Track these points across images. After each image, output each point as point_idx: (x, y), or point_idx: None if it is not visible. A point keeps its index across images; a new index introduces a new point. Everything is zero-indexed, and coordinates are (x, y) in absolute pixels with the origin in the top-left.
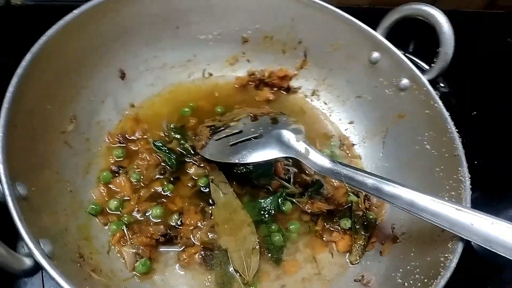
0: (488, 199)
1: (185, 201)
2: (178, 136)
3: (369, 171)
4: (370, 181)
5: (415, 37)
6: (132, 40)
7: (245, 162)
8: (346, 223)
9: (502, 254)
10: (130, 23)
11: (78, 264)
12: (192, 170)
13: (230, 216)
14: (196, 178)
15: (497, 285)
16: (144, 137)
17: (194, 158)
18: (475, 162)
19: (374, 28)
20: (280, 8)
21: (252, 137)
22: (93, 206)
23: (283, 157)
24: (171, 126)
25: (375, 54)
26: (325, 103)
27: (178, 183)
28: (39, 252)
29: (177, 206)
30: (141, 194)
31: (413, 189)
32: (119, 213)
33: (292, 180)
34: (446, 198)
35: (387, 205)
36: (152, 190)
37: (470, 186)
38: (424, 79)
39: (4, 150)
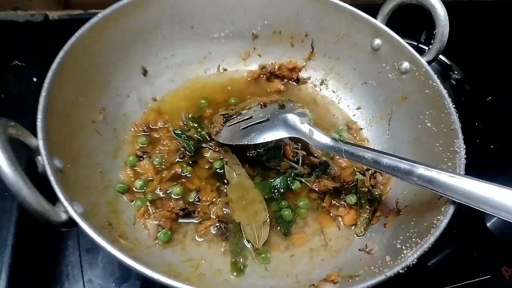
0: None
1: (202, 181)
2: (196, 125)
3: None
4: (368, 155)
5: (427, 27)
6: (152, 40)
7: (254, 142)
8: (352, 199)
9: (492, 214)
10: (148, 25)
11: (107, 230)
12: (208, 154)
13: (243, 194)
14: (212, 161)
15: None
16: (165, 126)
17: (210, 143)
18: (491, 147)
19: (374, 16)
20: (285, 3)
21: (260, 121)
22: (121, 185)
23: (289, 138)
24: (189, 116)
25: (377, 41)
26: (334, 92)
27: (196, 166)
28: (72, 209)
29: (195, 185)
30: (163, 175)
31: (409, 160)
32: (143, 191)
33: (300, 161)
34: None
35: (392, 182)
36: (173, 172)
37: (465, 156)
38: (423, 60)
39: (44, 130)
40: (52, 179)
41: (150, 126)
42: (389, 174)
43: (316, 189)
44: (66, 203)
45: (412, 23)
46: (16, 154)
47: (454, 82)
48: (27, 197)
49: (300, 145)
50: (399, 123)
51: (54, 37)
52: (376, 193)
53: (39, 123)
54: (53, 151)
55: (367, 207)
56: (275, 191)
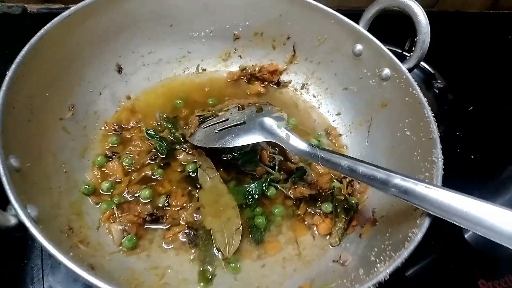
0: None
1: (173, 184)
2: (170, 125)
3: None
4: (345, 162)
5: (412, 35)
6: (129, 37)
7: (229, 146)
8: (327, 207)
9: (467, 228)
10: (126, 20)
11: (66, 235)
12: (181, 157)
13: (216, 199)
14: (185, 164)
15: (491, 277)
16: (138, 126)
17: (184, 145)
18: (472, 157)
19: (356, 22)
20: (268, 5)
21: (236, 124)
22: (86, 186)
23: (266, 143)
24: (164, 116)
25: (358, 46)
26: (314, 96)
27: (168, 169)
28: (24, 212)
29: (165, 189)
30: (132, 177)
31: (386, 169)
32: (110, 193)
33: (277, 167)
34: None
35: (370, 191)
36: (143, 174)
37: (443, 167)
38: (404, 67)
39: (0, 126)
40: (4, 179)
41: (122, 125)
42: (365, 183)
43: (292, 196)
44: (16, 206)
45: (397, 31)
46: None
47: (437, 91)
48: None
49: (277, 149)
50: (379, 131)
51: (31, 30)
52: (353, 201)
53: None
54: (11, 149)
55: (343, 216)
56: (250, 197)
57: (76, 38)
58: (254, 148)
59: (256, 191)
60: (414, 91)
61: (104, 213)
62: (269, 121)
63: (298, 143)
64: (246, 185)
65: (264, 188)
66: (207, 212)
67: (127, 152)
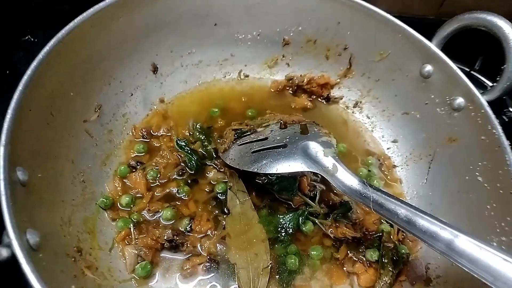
0: None
1: (199, 206)
2: (203, 137)
3: (409, 198)
4: (402, 211)
5: (484, 53)
6: (168, 35)
7: (265, 172)
8: (373, 255)
9: None
10: (167, 17)
11: (73, 259)
12: (211, 174)
13: (244, 229)
14: (214, 183)
15: None
16: (168, 134)
17: (215, 161)
18: None
19: (429, 38)
20: (326, 10)
21: (276, 146)
22: (104, 199)
23: (307, 172)
24: (198, 126)
25: (428, 67)
26: (368, 117)
27: (195, 186)
28: (19, 243)
29: (189, 211)
30: (155, 193)
31: (453, 228)
32: (129, 209)
33: (317, 198)
34: (494, 244)
35: None
36: (167, 190)
37: None
38: (483, 99)
39: (9, 133)
40: (3, 200)
41: (152, 132)
42: (423, 241)
43: (332, 235)
44: (12, 234)
45: (466, 45)
46: None
47: (506, 119)
48: None
49: (319, 177)
50: (442, 169)
51: (74, 11)
52: (403, 251)
53: (6, 125)
54: (20, 159)
55: (389, 268)
56: (282, 230)
57: (110, 33)
58: (291, 174)
59: (290, 224)
60: (494, 130)
61: (120, 232)
62: (314, 147)
63: (346, 177)
64: (280, 216)
65: (300, 222)
66: (232, 243)
67: (153, 164)
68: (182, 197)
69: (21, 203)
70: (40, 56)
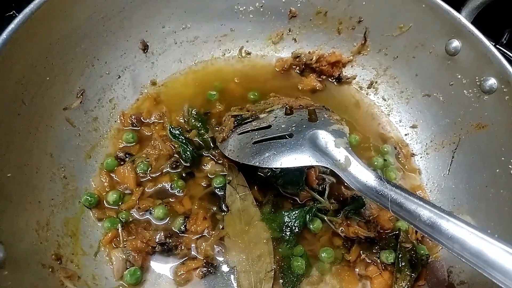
0: None
1: (194, 202)
2: (199, 124)
3: (429, 191)
4: (425, 212)
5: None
6: (160, 8)
7: (268, 166)
8: (389, 257)
9: None
10: None
11: (50, 269)
12: (208, 167)
13: (245, 228)
14: (212, 176)
15: None
16: (161, 121)
17: (213, 152)
18: None
19: (458, 9)
20: None
21: (280, 136)
22: (88, 197)
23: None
24: (193, 111)
25: (455, 43)
26: (384, 99)
27: (190, 180)
28: None
29: (184, 208)
30: (145, 189)
31: (484, 233)
32: (117, 208)
33: (327, 192)
34: None
35: None
36: (159, 185)
37: None
38: None
39: None
40: None
41: (142, 119)
42: (447, 249)
43: (342, 234)
44: None
45: (491, 18)
46: None
47: None
48: None
49: (329, 169)
50: (468, 159)
51: None
52: (422, 252)
53: None
54: None
55: (407, 272)
56: (288, 229)
57: (91, 6)
58: (297, 168)
59: (296, 222)
60: None
61: (107, 234)
62: (324, 137)
63: (361, 172)
64: (285, 213)
65: (307, 219)
66: (232, 244)
67: (144, 155)
68: (176, 192)
69: None
70: (4, 35)
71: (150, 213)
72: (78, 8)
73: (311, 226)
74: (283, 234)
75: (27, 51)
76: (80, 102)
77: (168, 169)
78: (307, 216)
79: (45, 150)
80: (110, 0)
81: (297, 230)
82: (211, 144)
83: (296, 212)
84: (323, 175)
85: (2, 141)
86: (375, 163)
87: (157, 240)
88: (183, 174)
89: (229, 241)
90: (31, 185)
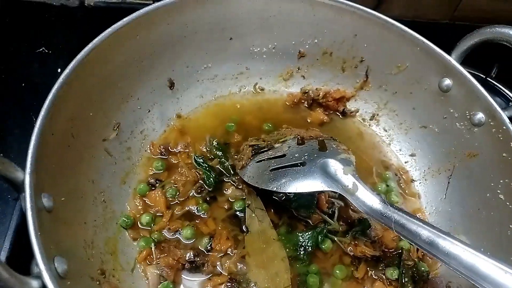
0: None
1: (218, 224)
2: (220, 154)
3: (428, 213)
4: (424, 232)
5: (500, 60)
6: (184, 50)
7: (284, 191)
8: (393, 273)
9: None
10: (182, 32)
11: (98, 282)
12: (229, 191)
13: (263, 247)
14: (233, 200)
15: None
16: (186, 151)
17: (233, 178)
18: None
19: (450, 49)
20: (342, 23)
21: (294, 164)
22: (125, 218)
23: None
24: (214, 142)
25: (447, 81)
26: (385, 130)
27: (213, 204)
28: (48, 273)
29: (209, 229)
30: (174, 211)
31: (476, 250)
32: (149, 228)
33: (336, 215)
34: None
35: None
36: (186, 208)
37: None
38: (505, 115)
39: (33, 160)
40: (31, 231)
41: (169, 148)
42: (444, 264)
43: (351, 253)
44: (42, 265)
45: (481, 52)
46: None
47: None
48: None
49: (337, 194)
50: (462, 185)
51: (86, 25)
52: (423, 269)
53: (30, 152)
54: (44, 185)
55: (410, 287)
56: (301, 249)
57: (128, 51)
58: (310, 193)
59: (309, 242)
60: None
61: (141, 252)
62: (333, 165)
63: (367, 197)
64: (299, 234)
65: (319, 240)
66: (252, 262)
67: (172, 181)
68: (201, 215)
69: (48, 230)
70: (61, 79)
71: (180, 233)
72: (117, 52)
73: (322, 246)
74: (298, 253)
75: (76, 91)
76: (116, 134)
77: (193, 194)
78: (319, 237)
79: (88, 177)
80: (143, 45)
81: (310, 249)
82: (231, 171)
83: (309, 233)
84: (332, 199)
85: (56, 169)
86: (379, 188)
87: (187, 258)
88: (207, 198)
89: (250, 259)
90: (78, 208)
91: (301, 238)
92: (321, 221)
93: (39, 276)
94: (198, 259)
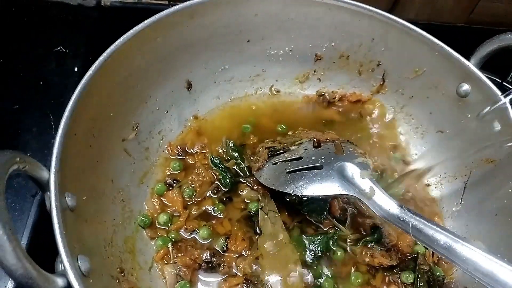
0: None
1: (233, 224)
2: (236, 155)
3: (444, 218)
4: (442, 237)
5: None
6: (202, 52)
7: (301, 194)
8: (408, 277)
9: None
10: (201, 34)
11: (117, 281)
12: (244, 192)
13: (276, 249)
14: (248, 201)
15: None
16: (203, 151)
17: (249, 179)
18: None
19: (468, 54)
20: (360, 27)
21: (311, 167)
22: (143, 218)
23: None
24: (231, 143)
25: (465, 86)
26: (401, 134)
27: (229, 204)
28: (73, 272)
29: (225, 229)
30: (191, 211)
31: (494, 256)
32: (167, 228)
33: (348, 222)
34: None
35: None
36: (203, 208)
37: None
38: None
39: (58, 160)
40: (56, 229)
41: (187, 149)
42: (461, 269)
43: (366, 260)
44: (67, 263)
45: (498, 56)
46: None
47: None
48: (13, 268)
49: (352, 200)
50: (479, 190)
51: (103, 24)
52: (438, 273)
53: (55, 152)
54: (68, 184)
55: None
56: (311, 253)
57: (147, 53)
58: (326, 197)
59: (319, 247)
60: None
61: (159, 251)
62: (350, 169)
63: (384, 201)
64: (309, 237)
65: (330, 246)
66: (266, 263)
67: (189, 182)
68: (217, 215)
69: (71, 229)
70: (84, 80)
71: (196, 233)
72: (137, 54)
73: (334, 256)
74: (308, 258)
75: (98, 92)
76: (135, 135)
77: (210, 194)
78: (330, 242)
79: (108, 177)
80: (162, 47)
81: (320, 254)
82: (247, 173)
83: (319, 237)
84: (346, 205)
85: (79, 168)
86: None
87: (203, 258)
88: (223, 199)
89: (263, 261)
90: (98, 207)
91: (311, 242)
92: (332, 227)
93: (63, 274)
94: (214, 259)
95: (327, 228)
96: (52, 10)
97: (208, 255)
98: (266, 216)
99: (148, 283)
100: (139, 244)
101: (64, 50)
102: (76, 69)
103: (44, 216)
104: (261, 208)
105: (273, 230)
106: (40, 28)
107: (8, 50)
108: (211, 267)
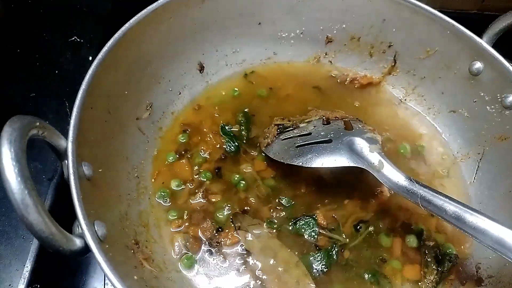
0: None
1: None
2: (243, 121)
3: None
4: (451, 207)
5: None
6: (214, 34)
7: (311, 166)
8: (411, 241)
9: None
10: (213, 17)
11: (132, 251)
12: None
13: (274, 261)
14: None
15: None
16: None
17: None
18: None
19: (480, 35)
20: (371, 8)
21: (320, 141)
22: (162, 192)
23: (351, 167)
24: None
25: (477, 64)
26: (413, 115)
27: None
28: (90, 234)
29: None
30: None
31: (504, 224)
32: (180, 199)
33: (341, 228)
34: None
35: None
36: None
37: None
38: None
39: (75, 130)
40: (74, 193)
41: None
42: (473, 238)
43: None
44: (84, 226)
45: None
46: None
47: None
48: (34, 222)
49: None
50: (492, 168)
51: (117, 15)
52: (450, 250)
53: (72, 122)
54: (84, 155)
55: (433, 267)
56: (317, 272)
57: (161, 34)
58: (336, 168)
59: (322, 262)
60: None
61: (172, 222)
62: (359, 143)
63: (393, 174)
64: (311, 256)
65: (333, 256)
66: (269, 277)
67: (201, 149)
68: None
69: (88, 196)
70: (100, 56)
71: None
72: (151, 33)
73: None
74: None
75: (113, 69)
76: (149, 114)
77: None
78: (331, 254)
79: (122, 153)
80: (175, 27)
81: (326, 269)
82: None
83: (320, 253)
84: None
85: (95, 141)
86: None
87: (210, 235)
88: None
89: (268, 279)
90: (113, 181)
91: (314, 260)
92: (329, 239)
93: (81, 236)
94: (216, 235)
95: (324, 244)
96: (67, 1)
97: (213, 230)
98: (247, 235)
99: (162, 256)
100: (153, 219)
101: (79, 40)
102: (90, 58)
103: (60, 198)
104: (238, 229)
105: (260, 244)
106: (55, 18)
107: (25, 40)
108: (215, 244)
